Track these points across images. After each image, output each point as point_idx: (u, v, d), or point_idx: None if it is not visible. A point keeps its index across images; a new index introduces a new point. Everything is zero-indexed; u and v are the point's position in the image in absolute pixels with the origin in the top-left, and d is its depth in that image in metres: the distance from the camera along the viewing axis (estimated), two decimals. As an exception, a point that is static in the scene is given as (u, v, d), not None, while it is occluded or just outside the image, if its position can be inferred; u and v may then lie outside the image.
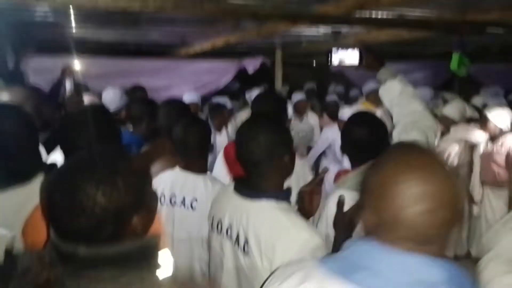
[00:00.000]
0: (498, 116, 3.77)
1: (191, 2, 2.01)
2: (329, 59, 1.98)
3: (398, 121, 1.91)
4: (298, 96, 4.97)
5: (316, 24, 2.73)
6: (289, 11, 2.42)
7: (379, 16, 3.09)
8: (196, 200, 1.75)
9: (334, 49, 1.96)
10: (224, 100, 4.67)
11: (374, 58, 2.00)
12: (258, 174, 1.34)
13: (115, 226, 0.86)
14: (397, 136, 1.89)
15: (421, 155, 0.83)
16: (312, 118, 5.04)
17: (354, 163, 1.78)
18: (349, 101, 5.96)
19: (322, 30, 4.14)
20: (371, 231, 0.83)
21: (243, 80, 6.69)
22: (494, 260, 1.18)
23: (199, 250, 1.71)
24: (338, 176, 2.04)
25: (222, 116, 4.10)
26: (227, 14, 2.20)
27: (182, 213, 1.75)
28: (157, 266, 0.91)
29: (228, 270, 1.37)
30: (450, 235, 0.80)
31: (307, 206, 1.42)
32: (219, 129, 4.07)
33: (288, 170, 1.40)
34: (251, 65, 5.63)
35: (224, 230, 1.40)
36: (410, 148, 0.88)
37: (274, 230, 1.24)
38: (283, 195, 1.35)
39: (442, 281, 0.74)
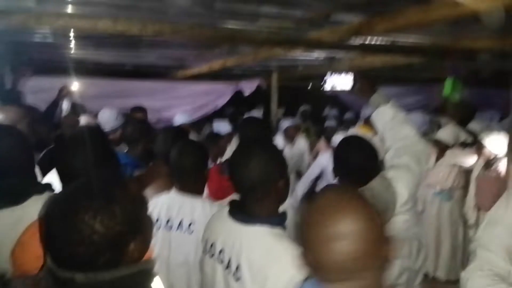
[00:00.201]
0: (493, 141, 3.80)
1: (189, 27, 2.05)
2: (324, 84, 2.02)
3: (391, 145, 1.96)
4: (288, 122, 5.07)
5: (311, 49, 2.79)
6: (285, 37, 2.47)
7: (374, 42, 3.16)
8: (194, 223, 1.74)
9: (328, 75, 2.01)
10: (224, 124, 4.69)
11: (367, 84, 2.05)
12: (253, 198, 1.34)
13: (113, 253, 0.88)
14: (390, 160, 1.94)
15: (339, 198, 0.90)
16: (301, 143, 5.11)
17: None
18: (344, 124, 6.01)
19: (317, 54, 4.21)
20: (311, 270, 0.91)
21: (239, 102, 6.74)
22: (477, 271, 1.20)
23: (197, 274, 1.70)
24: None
25: (217, 147, 4.06)
26: (224, 39, 2.25)
27: (179, 237, 1.74)
28: None
29: None
30: (379, 266, 0.87)
31: None
32: (214, 160, 4.05)
33: (283, 194, 1.41)
34: (248, 87, 5.69)
35: (216, 254, 1.39)
36: (332, 192, 0.96)
37: (267, 256, 1.24)
38: (278, 220, 1.35)
39: None
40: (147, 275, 0.94)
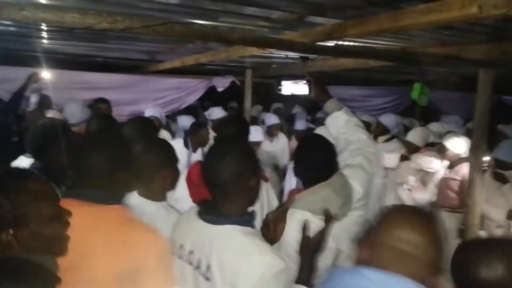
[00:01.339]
0: (455, 144, 3.93)
1: (160, 23, 2.00)
2: (279, 88, 2.10)
3: (344, 148, 2.10)
4: (272, 120, 5.13)
5: (284, 50, 2.80)
6: (258, 37, 2.47)
7: (346, 43, 3.19)
8: None
9: (284, 81, 2.08)
10: (187, 119, 4.67)
11: (322, 90, 2.19)
12: (224, 197, 1.34)
13: None
14: (343, 161, 2.05)
15: (417, 215, 1.10)
16: (282, 140, 5.21)
17: (306, 184, 1.86)
18: (316, 123, 6.07)
19: (291, 54, 4.22)
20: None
21: (213, 98, 6.71)
22: None
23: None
24: (291, 194, 2.08)
25: (198, 136, 4.05)
26: (196, 37, 2.21)
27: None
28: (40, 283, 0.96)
29: None
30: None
31: (271, 233, 1.44)
32: (194, 150, 4.02)
33: (254, 193, 1.42)
34: (221, 83, 5.65)
35: (185, 255, 1.39)
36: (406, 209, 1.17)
37: (237, 255, 1.25)
38: (247, 219, 1.37)
39: None
40: (34, 267, 0.98)
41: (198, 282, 1.32)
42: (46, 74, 4.35)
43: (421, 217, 1.10)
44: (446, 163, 4.04)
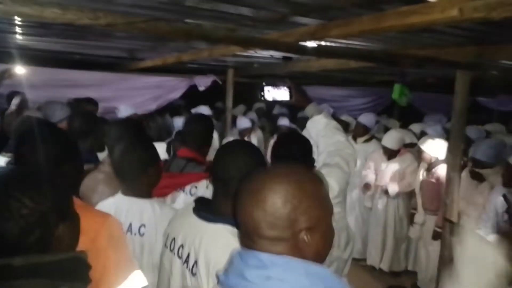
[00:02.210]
0: (431, 147, 4.00)
1: (143, 20, 1.98)
2: (261, 93, 2.14)
3: (323, 150, 2.19)
4: (244, 122, 5.30)
5: (267, 49, 2.81)
6: (242, 36, 2.47)
7: (328, 44, 3.23)
8: (144, 225, 1.69)
9: (265, 86, 2.12)
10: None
11: (302, 95, 2.28)
12: (226, 194, 1.36)
13: (42, 231, 0.90)
14: (323, 161, 2.14)
15: (275, 172, 0.92)
16: (254, 140, 5.50)
17: None
18: (296, 122, 6.11)
19: (273, 53, 4.24)
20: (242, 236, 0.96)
21: (195, 98, 6.66)
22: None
23: (150, 277, 1.66)
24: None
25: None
26: (180, 35, 2.19)
27: (129, 240, 1.68)
28: (88, 280, 0.94)
29: None
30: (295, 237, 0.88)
31: None
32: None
33: None
34: (203, 82, 5.61)
35: (176, 249, 1.40)
36: (273, 167, 1.01)
37: (223, 253, 1.24)
38: None
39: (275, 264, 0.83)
40: (83, 264, 0.95)
41: (185, 276, 1.33)
42: (20, 70, 4.22)
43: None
44: (424, 165, 4.12)
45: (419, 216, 4.12)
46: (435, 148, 3.98)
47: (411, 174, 4.36)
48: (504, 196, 3.04)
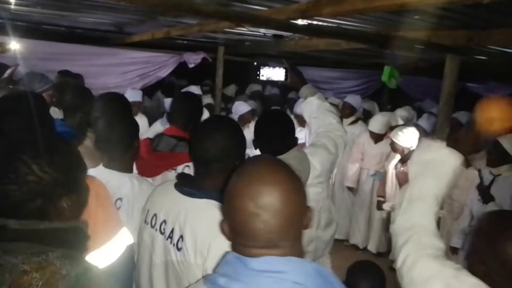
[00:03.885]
0: (402, 137, 3.97)
1: (132, -9, 1.94)
2: (257, 73, 2.15)
3: (315, 130, 2.20)
4: (244, 107, 5.01)
5: (258, 26, 2.77)
6: (233, 12, 2.43)
7: (320, 24, 3.20)
8: (121, 199, 1.68)
9: (261, 66, 2.13)
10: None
11: (298, 77, 2.29)
12: (207, 173, 1.36)
13: (44, 201, 0.89)
14: (311, 141, 2.16)
15: (265, 170, 0.91)
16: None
17: None
18: (287, 103, 6.10)
19: (265, 31, 4.19)
20: (231, 240, 0.94)
21: (186, 75, 6.58)
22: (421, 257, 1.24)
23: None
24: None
25: None
26: (170, 7, 2.15)
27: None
28: (83, 249, 0.94)
29: (156, 264, 1.37)
30: (300, 235, 0.93)
31: None
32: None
33: None
34: (192, 59, 5.53)
35: (157, 225, 1.39)
36: (258, 163, 0.97)
37: (210, 228, 1.25)
38: None
39: (290, 271, 0.84)
40: (81, 233, 0.95)
41: (169, 251, 1.33)
42: (9, 43, 4.11)
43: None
44: (398, 157, 4.12)
45: (387, 205, 4.14)
46: (406, 138, 3.96)
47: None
48: (479, 171, 3.05)
